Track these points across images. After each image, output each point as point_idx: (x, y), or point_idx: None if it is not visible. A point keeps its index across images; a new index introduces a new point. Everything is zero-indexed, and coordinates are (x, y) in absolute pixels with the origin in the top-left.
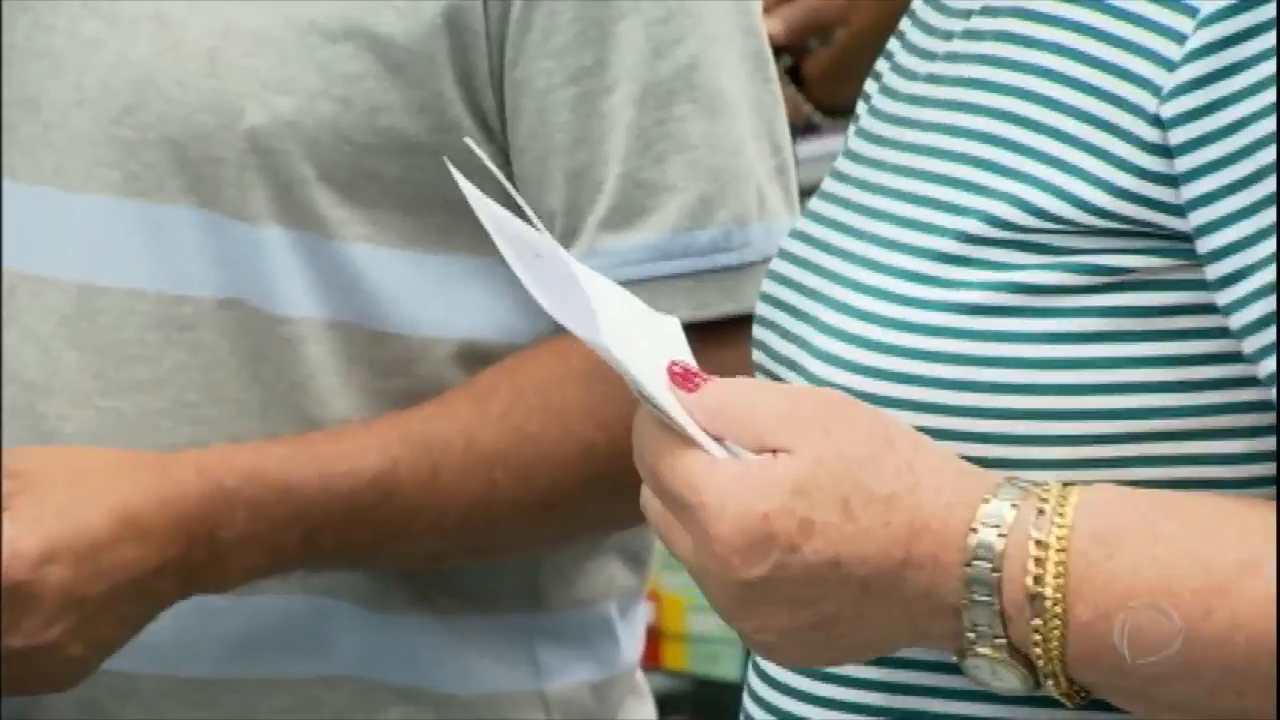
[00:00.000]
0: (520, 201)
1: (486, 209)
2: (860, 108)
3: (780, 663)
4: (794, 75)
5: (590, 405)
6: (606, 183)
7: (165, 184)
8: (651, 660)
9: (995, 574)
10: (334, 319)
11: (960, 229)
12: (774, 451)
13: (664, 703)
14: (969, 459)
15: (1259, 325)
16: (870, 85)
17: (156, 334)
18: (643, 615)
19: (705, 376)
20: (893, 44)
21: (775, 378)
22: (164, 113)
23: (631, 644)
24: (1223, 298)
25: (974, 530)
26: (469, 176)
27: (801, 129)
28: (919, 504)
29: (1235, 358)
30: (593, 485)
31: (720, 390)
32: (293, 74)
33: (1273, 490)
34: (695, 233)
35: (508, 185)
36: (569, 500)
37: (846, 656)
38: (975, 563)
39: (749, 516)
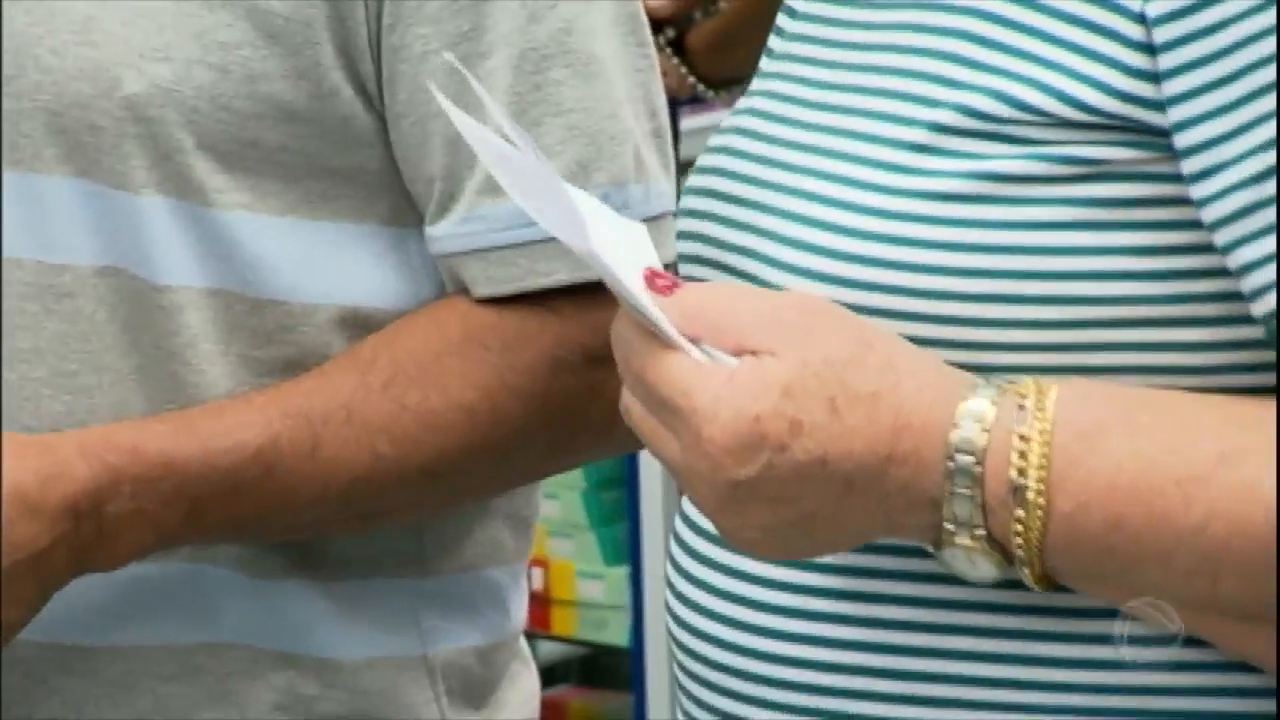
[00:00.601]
0: (502, 122)
1: (469, 127)
2: (784, 21)
3: (758, 557)
4: (677, 48)
5: (470, 373)
6: None
7: (42, 153)
8: (540, 626)
9: (978, 467)
10: (213, 287)
11: (934, 120)
12: (755, 354)
13: (553, 668)
14: (942, 342)
15: (1232, 218)
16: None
17: (35, 303)
18: (525, 580)
19: (680, 281)
20: None
21: (716, 264)
22: (40, 82)
23: (518, 610)
24: (1198, 191)
25: (956, 426)
26: (347, 142)
27: (687, 101)
28: (902, 401)
29: (1203, 249)
30: (476, 451)
31: (698, 294)
32: (169, 42)
33: (1238, 379)
34: None
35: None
36: (453, 467)
37: (820, 550)
38: (958, 456)
39: (741, 419)
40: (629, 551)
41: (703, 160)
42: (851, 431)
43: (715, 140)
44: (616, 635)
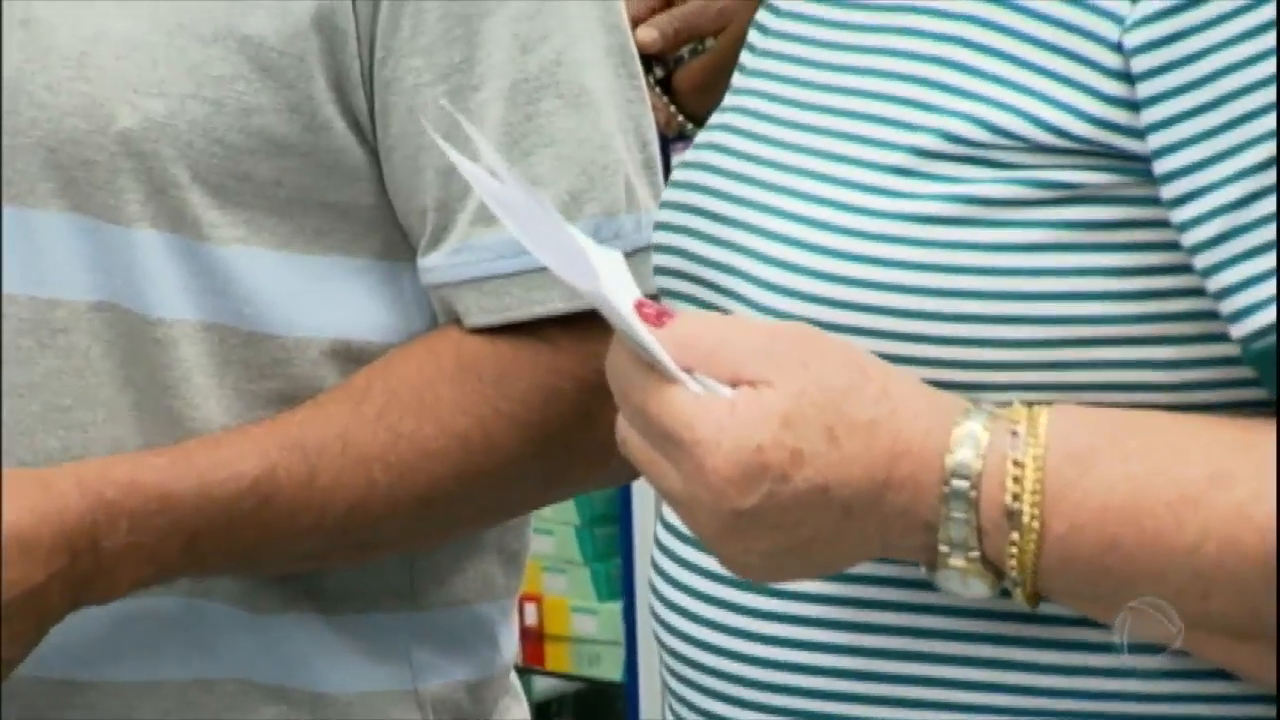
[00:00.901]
0: (494, 161)
1: (467, 167)
2: (755, 38)
3: (759, 581)
4: (665, 86)
5: (463, 401)
6: None
7: (37, 188)
8: (535, 661)
9: (973, 492)
10: (208, 321)
11: (914, 144)
12: (751, 384)
13: (548, 703)
14: (920, 360)
15: (1212, 243)
16: (764, 15)
17: (29, 339)
18: (515, 615)
19: (668, 310)
20: None
21: (693, 279)
22: (35, 118)
23: (508, 645)
24: (1177, 215)
25: (951, 451)
26: (339, 177)
27: (678, 138)
28: (898, 428)
29: (1178, 270)
30: (471, 480)
31: (691, 325)
32: (163, 77)
33: (1209, 395)
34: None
35: (482, 146)
36: (447, 496)
37: (816, 573)
38: (954, 481)
39: (743, 450)
40: (623, 587)
41: (678, 175)
42: (850, 459)
43: (690, 156)
44: (611, 670)
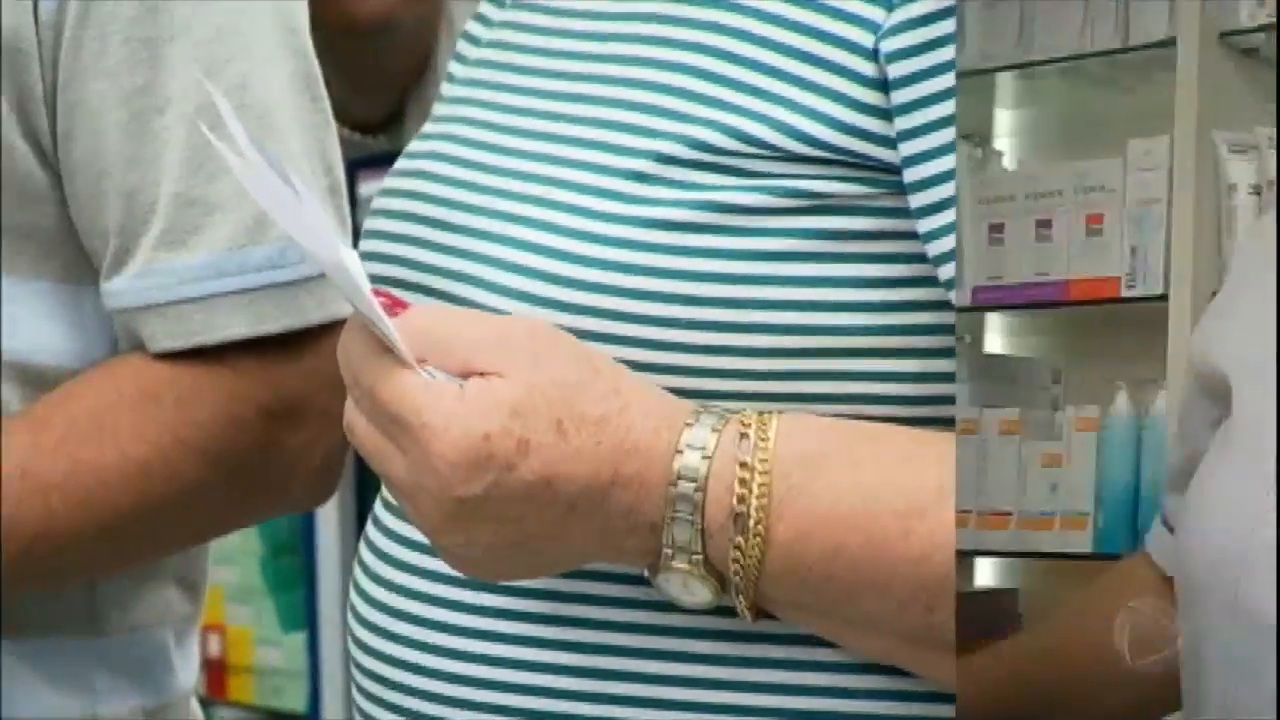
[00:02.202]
0: (246, 146)
1: (216, 145)
2: (466, 48)
3: (480, 578)
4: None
5: (142, 428)
6: (159, 202)
7: None
8: (217, 692)
9: (699, 493)
10: None
11: (656, 150)
12: (483, 375)
13: None
14: (659, 367)
15: (954, 254)
16: (474, 26)
17: None
18: (197, 644)
19: (402, 300)
20: None
21: (418, 287)
22: None
23: (186, 671)
24: (923, 225)
25: (679, 452)
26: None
27: (364, 165)
28: (629, 426)
29: (919, 282)
30: (152, 507)
31: (425, 315)
32: None
33: (948, 409)
34: (250, 249)
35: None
36: (128, 523)
37: (538, 571)
38: (680, 482)
39: (471, 437)
40: (307, 618)
41: (391, 184)
42: (576, 453)
43: (404, 165)
44: (294, 701)
